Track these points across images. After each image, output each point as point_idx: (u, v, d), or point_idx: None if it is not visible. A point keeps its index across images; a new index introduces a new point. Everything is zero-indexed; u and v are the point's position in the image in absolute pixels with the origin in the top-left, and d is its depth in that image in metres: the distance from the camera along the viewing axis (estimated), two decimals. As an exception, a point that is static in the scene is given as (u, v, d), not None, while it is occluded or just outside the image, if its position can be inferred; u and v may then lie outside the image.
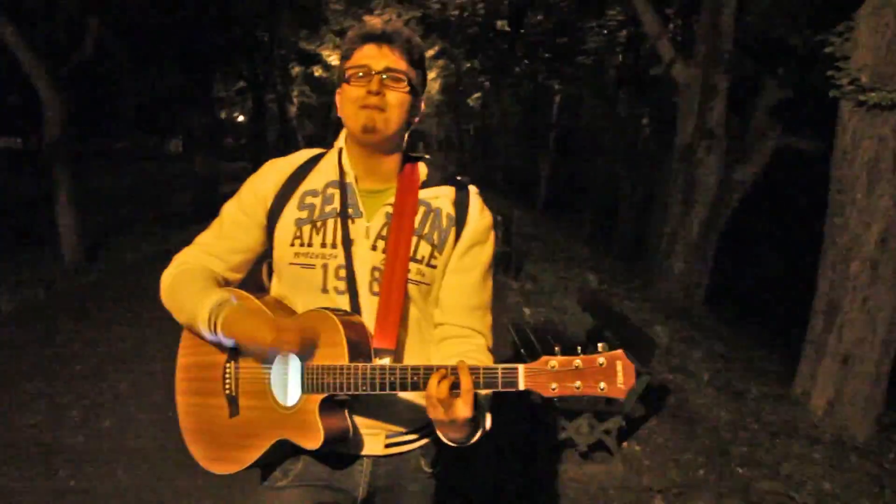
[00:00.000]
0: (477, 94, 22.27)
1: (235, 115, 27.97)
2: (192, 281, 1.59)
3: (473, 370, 1.34)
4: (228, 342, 1.51)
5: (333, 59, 20.10)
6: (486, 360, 1.57)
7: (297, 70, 20.27)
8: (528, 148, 20.71)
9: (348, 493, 1.61)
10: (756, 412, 5.17)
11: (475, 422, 1.43)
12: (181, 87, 13.04)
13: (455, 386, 1.34)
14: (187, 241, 1.65)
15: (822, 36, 5.19)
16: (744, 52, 8.12)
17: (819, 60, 5.62)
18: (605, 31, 14.14)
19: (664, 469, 4.05)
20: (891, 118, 4.94)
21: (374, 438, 1.58)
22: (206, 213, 10.73)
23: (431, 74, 22.26)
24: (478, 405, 1.41)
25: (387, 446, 1.60)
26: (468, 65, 19.48)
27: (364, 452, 1.59)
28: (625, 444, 4.30)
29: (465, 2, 15.63)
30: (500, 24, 18.19)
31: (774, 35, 6.85)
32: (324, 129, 35.92)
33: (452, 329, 1.61)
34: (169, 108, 21.05)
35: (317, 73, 20.82)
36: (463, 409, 1.34)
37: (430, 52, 19.56)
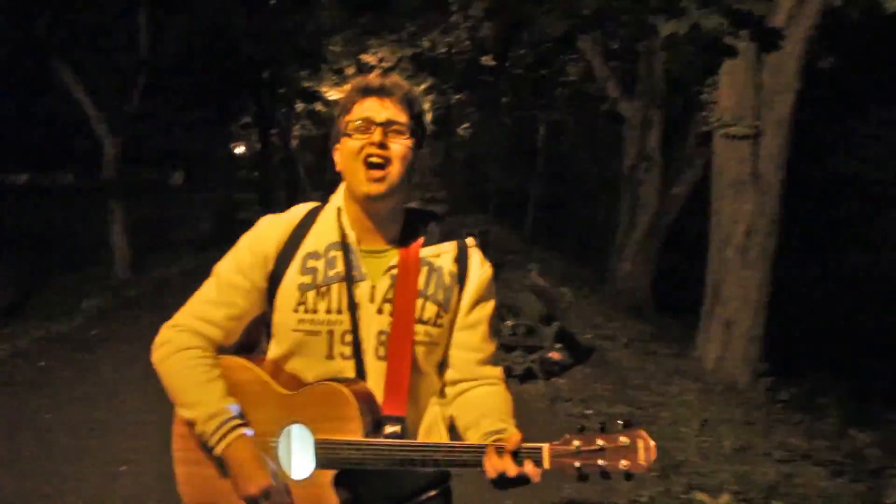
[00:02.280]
0: (466, 125, 24.52)
1: (233, 147, 30.31)
2: (194, 373, 1.61)
3: (500, 448, 1.43)
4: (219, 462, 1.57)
5: (332, 95, 22.31)
6: (507, 401, 1.67)
7: (300, 107, 22.66)
8: (516, 173, 22.96)
9: None
10: (659, 363, 7.27)
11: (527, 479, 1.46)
12: (200, 124, 15.28)
13: (500, 456, 1.42)
14: (214, 261, 1.72)
15: (697, 87, 7.39)
16: (675, 90, 10.32)
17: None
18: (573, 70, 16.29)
19: (578, 391, 6.14)
20: (747, 145, 7.09)
21: (381, 502, 1.64)
22: (225, 237, 13.05)
23: (424, 106, 24.55)
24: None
25: None
26: (457, 97, 21.68)
27: None
28: (553, 378, 6.39)
29: (453, 40, 17.73)
30: (486, 59, 20.44)
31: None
32: (322, 158, 38.36)
33: (470, 384, 1.69)
34: (173, 141, 23.43)
35: (318, 109, 23.22)
36: (525, 478, 1.43)
37: (421, 87, 21.78)
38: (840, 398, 7.92)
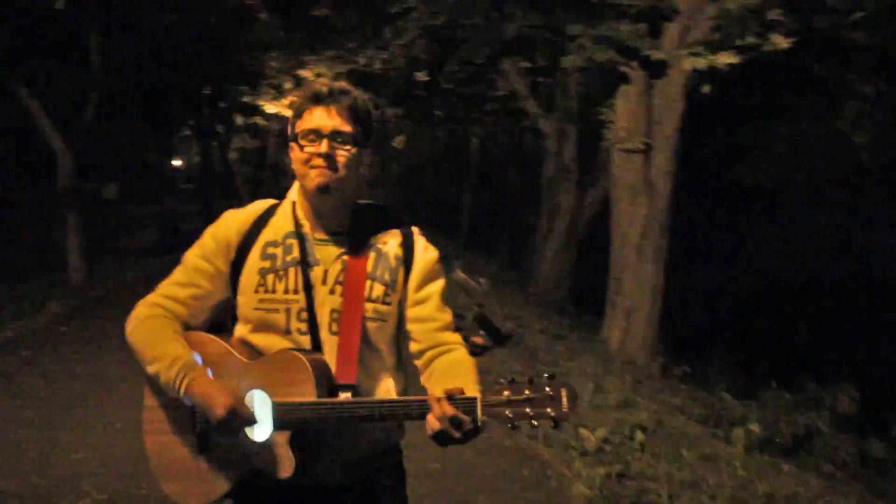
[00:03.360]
0: (401, 137, 25.65)
1: (169, 160, 30.87)
2: (158, 333, 1.81)
3: (440, 398, 1.60)
4: (188, 402, 1.73)
5: (270, 109, 23.14)
6: (469, 364, 1.84)
7: (240, 120, 23.49)
8: (450, 183, 24.25)
9: None
10: (569, 346, 8.50)
11: (476, 428, 1.62)
12: (139, 136, 16.08)
13: (444, 411, 1.58)
14: (162, 269, 1.88)
15: (601, 107, 8.70)
16: (586, 108, 11.65)
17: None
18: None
19: (496, 367, 7.29)
20: (640, 158, 8.38)
21: (336, 467, 1.81)
22: (172, 246, 14.08)
23: (368, 108, 25.53)
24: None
25: (346, 474, 1.83)
26: (392, 111, 22.77)
27: (327, 481, 1.81)
28: (475, 358, 7.52)
29: (388, 57, 18.67)
30: (419, 75, 21.51)
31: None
32: (259, 170, 38.98)
33: (435, 351, 1.87)
34: (106, 154, 23.96)
35: (257, 122, 24.05)
36: (464, 426, 1.59)
37: (358, 102, 22.84)
38: (725, 373, 9.31)
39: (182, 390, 1.71)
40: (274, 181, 45.14)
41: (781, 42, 5.02)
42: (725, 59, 5.08)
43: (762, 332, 11.81)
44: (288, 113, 24.23)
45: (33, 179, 17.16)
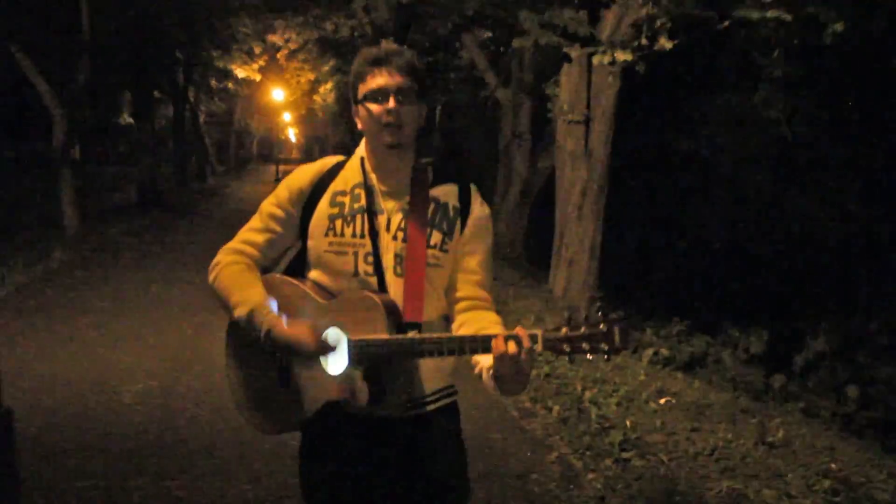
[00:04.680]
0: (368, 103, 26.88)
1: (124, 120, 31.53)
2: (238, 280, 2.01)
3: (507, 336, 1.76)
4: (268, 346, 1.91)
5: (240, 73, 24.05)
6: (499, 323, 2.01)
7: (214, 83, 24.46)
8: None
9: (382, 449, 2.03)
10: (519, 292, 9.91)
11: (529, 375, 1.82)
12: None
13: (520, 345, 1.75)
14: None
15: (544, 85, 10.04)
16: (539, 81, 12.98)
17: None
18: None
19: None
20: (581, 128, 9.74)
21: (402, 402, 2.00)
22: (151, 205, 15.37)
23: (328, 86, 26.58)
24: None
25: (410, 408, 2.02)
26: (360, 77, 23.88)
27: (393, 415, 2.00)
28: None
29: (356, 24, 19.34)
30: (385, 42, 22.52)
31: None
32: (226, 135, 39.83)
33: (470, 302, 2.05)
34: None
35: (230, 86, 25.01)
36: (528, 364, 1.77)
37: (325, 68, 23.81)
38: (655, 317, 10.80)
39: (264, 333, 1.88)
40: (239, 144, 46.01)
41: (666, 43, 6.34)
42: (623, 55, 6.37)
43: (696, 286, 13.38)
44: (257, 77, 25.17)
45: (26, 138, 18.03)
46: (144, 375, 5.77)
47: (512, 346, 1.74)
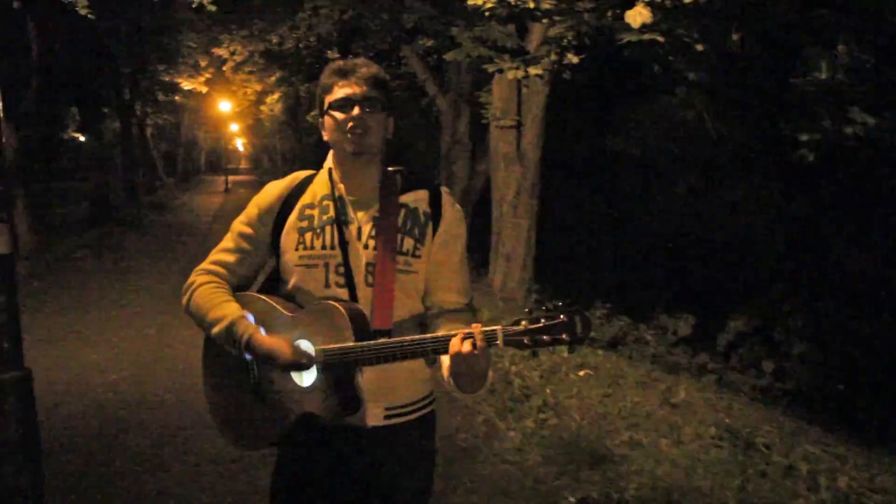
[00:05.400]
0: (314, 112, 27.44)
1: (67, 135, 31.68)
2: (212, 298, 2.05)
3: (465, 335, 1.79)
4: (248, 356, 1.95)
5: (187, 85, 24.42)
6: (471, 320, 2.03)
7: (161, 96, 24.79)
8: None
9: (354, 460, 2.04)
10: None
11: (486, 373, 1.88)
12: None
13: (474, 345, 1.77)
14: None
15: (477, 94, 10.81)
16: (477, 88, 13.75)
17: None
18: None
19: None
20: (512, 132, 10.53)
21: (377, 411, 2.02)
22: (102, 219, 15.83)
23: (275, 97, 27.09)
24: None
25: (386, 417, 2.03)
26: (305, 87, 24.40)
27: (369, 424, 2.02)
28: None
29: (301, 35, 19.72)
30: (331, 53, 23.00)
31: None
32: (175, 146, 39.97)
33: (443, 305, 2.09)
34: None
35: (177, 99, 25.37)
36: (483, 363, 1.82)
37: (271, 79, 24.28)
38: (588, 308, 11.61)
39: (242, 345, 1.92)
40: (188, 156, 46.14)
41: (573, 58, 7.13)
42: (535, 70, 7.16)
43: (629, 278, 14.27)
44: (204, 89, 25.52)
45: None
46: (115, 369, 6.37)
47: (467, 346, 1.78)
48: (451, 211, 2.13)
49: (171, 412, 5.41)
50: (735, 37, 8.51)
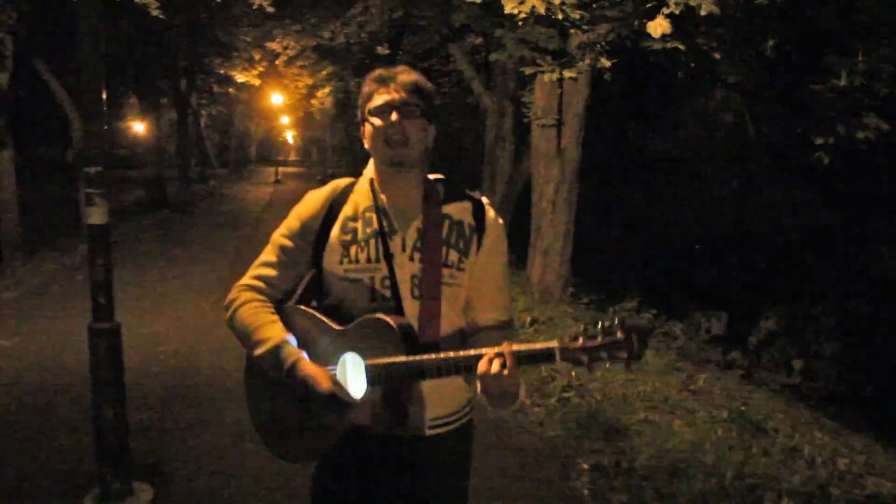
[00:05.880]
0: (363, 107, 28.09)
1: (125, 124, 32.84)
2: (255, 319, 2.02)
3: (516, 351, 1.78)
4: (290, 382, 1.91)
5: (240, 78, 25.24)
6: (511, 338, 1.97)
7: (217, 88, 25.72)
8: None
9: (400, 468, 2.06)
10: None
11: (517, 392, 1.88)
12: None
13: (503, 365, 1.77)
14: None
15: (521, 93, 11.24)
16: (522, 87, 14.18)
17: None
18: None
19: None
20: (553, 131, 10.94)
21: (421, 421, 2.02)
22: (157, 205, 16.73)
23: (325, 91, 27.78)
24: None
25: (430, 428, 2.04)
26: (355, 82, 25.01)
27: (413, 434, 2.02)
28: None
29: (351, 31, 20.32)
30: (380, 49, 23.47)
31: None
32: (225, 137, 41.09)
33: (482, 321, 2.08)
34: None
35: (230, 91, 26.27)
36: (511, 382, 1.79)
37: (322, 73, 24.97)
38: (627, 303, 11.99)
39: (286, 372, 1.90)
40: (239, 146, 47.35)
41: (606, 63, 7.53)
42: (570, 73, 7.60)
43: (666, 277, 14.59)
44: (257, 82, 26.33)
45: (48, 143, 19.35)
46: (174, 339, 6.99)
47: (496, 366, 1.78)
48: (495, 224, 2.10)
49: (219, 379, 5.97)
50: (770, 42, 8.83)
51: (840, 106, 5.81)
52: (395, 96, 1.99)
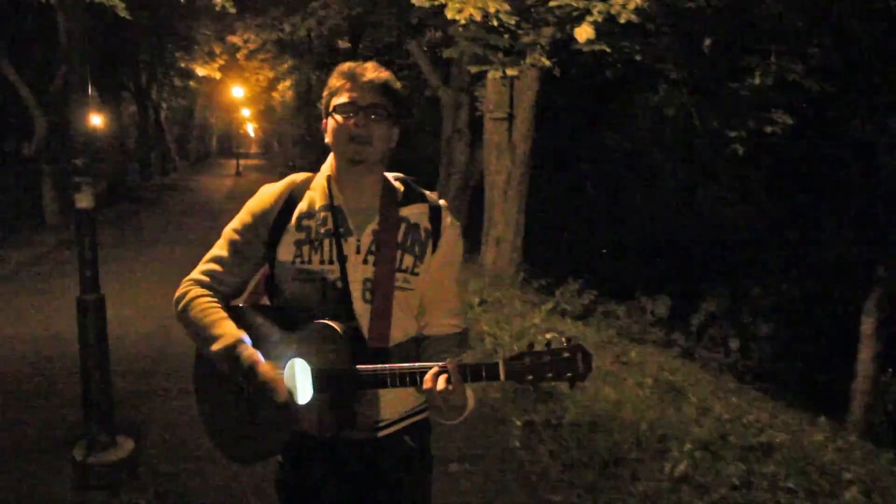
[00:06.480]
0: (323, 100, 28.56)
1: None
2: (207, 315, 1.98)
3: (462, 367, 1.79)
4: (243, 382, 1.88)
5: (201, 71, 25.54)
6: (464, 349, 2.07)
7: (178, 82, 26.02)
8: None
9: (357, 469, 2.04)
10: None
11: (464, 405, 1.87)
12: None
13: (448, 381, 1.77)
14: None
15: (474, 87, 11.85)
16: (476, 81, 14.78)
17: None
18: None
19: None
20: (504, 124, 11.55)
21: (370, 426, 2.00)
22: (119, 199, 17.01)
23: (286, 84, 28.19)
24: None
25: (381, 429, 2.02)
26: (316, 75, 25.45)
27: (363, 437, 2.00)
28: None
29: (312, 26, 20.71)
30: (341, 42, 23.84)
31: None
32: (188, 130, 41.16)
33: (435, 328, 2.06)
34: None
35: (191, 84, 26.56)
36: (457, 397, 1.81)
37: (283, 66, 25.39)
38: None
39: (244, 372, 1.86)
40: (200, 139, 47.43)
41: (546, 62, 8.17)
42: (512, 71, 8.26)
43: (615, 264, 15.33)
44: (217, 75, 26.60)
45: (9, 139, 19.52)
46: (143, 323, 7.49)
47: (440, 383, 1.79)
48: (451, 229, 2.08)
49: (190, 356, 6.49)
50: (707, 41, 9.54)
51: (754, 102, 6.49)
52: (363, 95, 1.96)
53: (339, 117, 1.96)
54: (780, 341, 11.75)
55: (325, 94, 2.04)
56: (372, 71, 1.99)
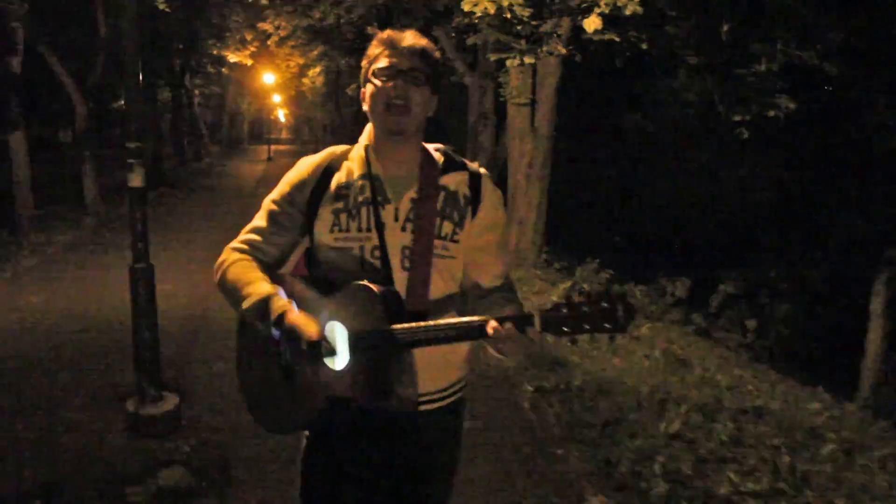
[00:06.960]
0: (354, 85, 28.94)
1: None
2: (244, 274, 2.00)
3: (499, 319, 1.77)
4: (276, 333, 1.88)
5: (233, 58, 26.10)
6: (512, 294, 2.12)
7: (211, 69, 26.67)
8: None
9: (390, 443, 2.05)
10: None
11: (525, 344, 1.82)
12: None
13: (496, 331, 1.75)
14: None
15: (498, 74, 12.24)
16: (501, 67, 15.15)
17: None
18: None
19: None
20: (527, 109, 11.92)
21: (413, 397, 1.99)
22: (155, 183, 17.71)
23: (316, 70, 28.69)
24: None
25: (421, 404, 2.02)
26: (345, 61, 25.88)
27: (404, 409, 1.99)
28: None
29: (342, 13, 21.17)
30: (371, 28, 24.16)
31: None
32: (219, 115, 41.93)
33: (485, 292, 2.09)
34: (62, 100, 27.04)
35: (224, 71, 27.20)
36: (511, 346, 1.80)
37: (313, 53, 25.85)
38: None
39: (274, 318, 1.87)
40: (232, 125, 48.17)
41: (562, 49, 8.54)
42: (529, 59, 8.64)
43: (637, 246, 15.66)
44: (249, 62, 27.24)
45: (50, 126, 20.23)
46: (183, 296, 8.04)
47: (507, 328, 1.77)
48: (491, 196, 2.09)
49: (230, 325, 7.01)
50: (725, 27, 9.84)
51: (759, 87, 6.83)
52: (401, 60, 1.96)
53: (377, 81, 1.97)
54: (797, 322, 12.03)
55: (363, 63, 2.06)
56: (411, 37, 2.00)
